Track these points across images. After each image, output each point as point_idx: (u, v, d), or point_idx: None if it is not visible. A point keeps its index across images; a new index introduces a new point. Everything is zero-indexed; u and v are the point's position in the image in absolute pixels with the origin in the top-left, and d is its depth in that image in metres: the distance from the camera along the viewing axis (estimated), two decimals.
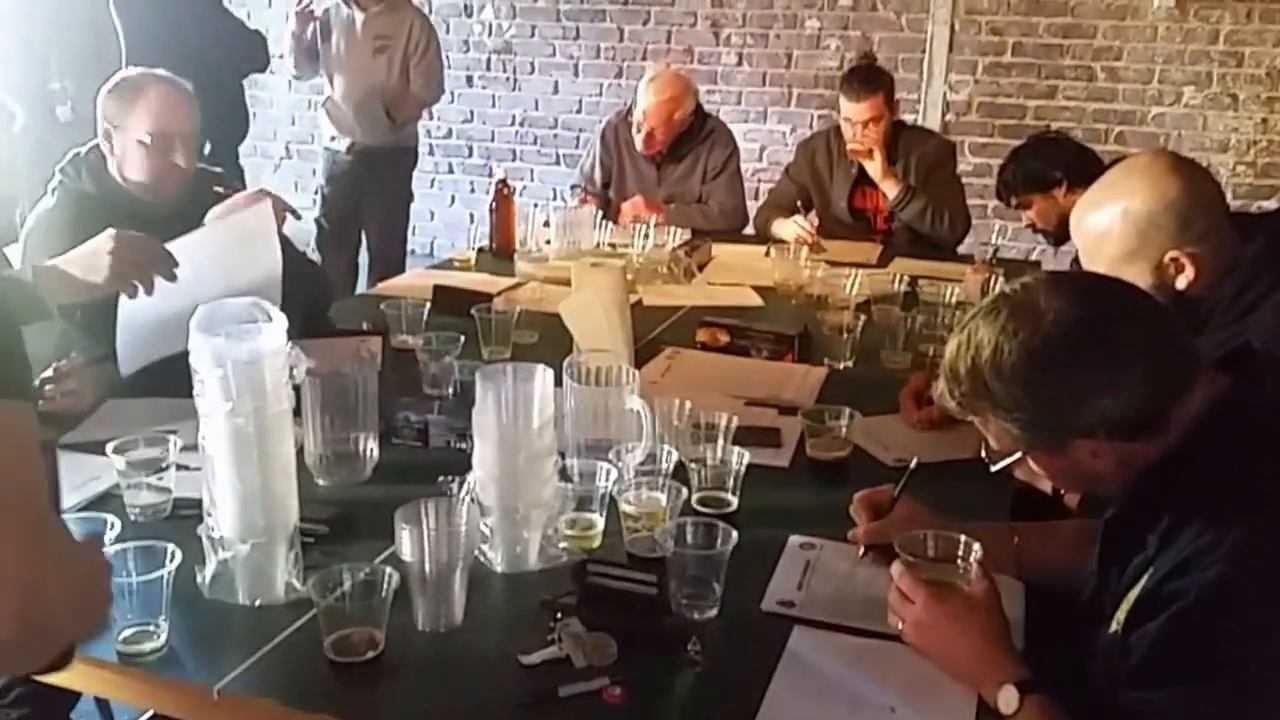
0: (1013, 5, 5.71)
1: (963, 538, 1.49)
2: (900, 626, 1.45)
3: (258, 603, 1.47)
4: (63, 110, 6.51)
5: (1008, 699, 1.31)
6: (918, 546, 1.50)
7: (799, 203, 4.00)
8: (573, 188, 4.29)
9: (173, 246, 2.07)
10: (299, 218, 2.59)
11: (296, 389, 1.61)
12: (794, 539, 1.72)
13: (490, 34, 6.68)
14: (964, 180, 4.17)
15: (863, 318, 2.68)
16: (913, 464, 1.71)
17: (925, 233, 3.85)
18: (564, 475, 1.69)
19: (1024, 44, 5.74)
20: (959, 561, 1.48)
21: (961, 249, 3.94)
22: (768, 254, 3.56)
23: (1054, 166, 3.33)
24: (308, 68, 4.96)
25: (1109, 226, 1.77)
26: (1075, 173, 3.23)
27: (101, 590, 1.00)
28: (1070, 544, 1.61)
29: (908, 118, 5.00)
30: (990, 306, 1.38)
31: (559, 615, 1.44)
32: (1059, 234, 3.53)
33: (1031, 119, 5.76)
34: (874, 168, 3.83)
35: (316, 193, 5.27)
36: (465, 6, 6.66)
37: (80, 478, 1.83)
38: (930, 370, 2.29)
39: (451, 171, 6.96)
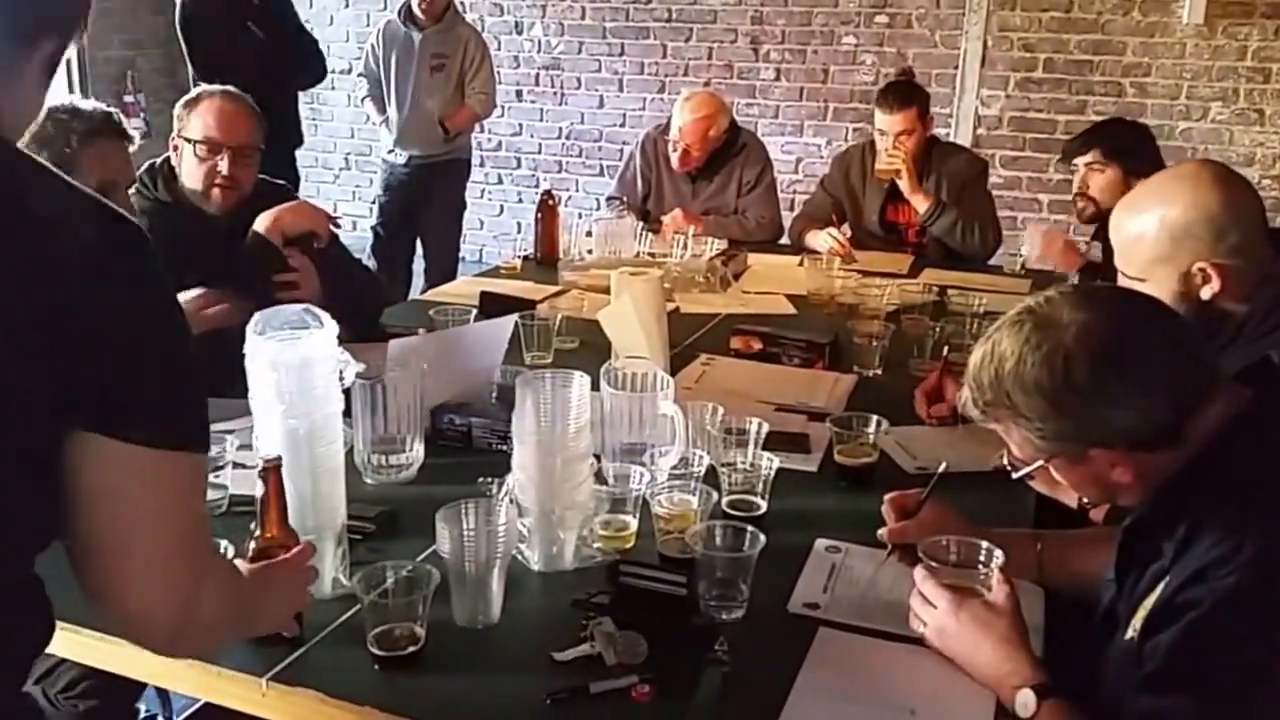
0: (1044, 23, 5.65)
1: (984, 544, 1.48)
2: (922, 630, 1.44)
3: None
4: (136, 123, 6.65)
5: (1025, 703, 1.30)
6: (940, 552, 1.49)
7: (832, 215, 3.98)
8: (609, 199, 4.28)
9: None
10: (339, 227, 2.63)
11: (346, 392, 1.63)
12: (820, 542, 1.71)
13: (539, 50, 6.70)
14: (994, 193, 4.12)
15: (892, 327, 2.67)
16: (941, 468, 1.70)
17: (956, 247, 3.80)
18: (599, 478, 1.70)
19: (1055, 60, 5.67)
20: (980, 567, 1.47)
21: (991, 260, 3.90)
22: (801, 264, 3.54)
23: (1148, 159, 3.22)
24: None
25: (1144, 230, 1.74)
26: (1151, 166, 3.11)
27: (296, 592, 1.32)
28: (1092, 552, 1.59)
29: (940, 131, 4.96)
30: (1015, 318, 1.37)
31: (591, 614, 1.44)
32: (1102, 215, 3.40)
33: (1061, 133, 5.68)
34: (904, 185, 3.80)
35: (374, 202, 5.33)
36: (516, 24, 6.69)
37: None
38: (944, 370, 2.28)
39: (500, 182, 6.99)
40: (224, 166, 2.45)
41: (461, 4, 6.58)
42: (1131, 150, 3.32)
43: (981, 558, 1.48)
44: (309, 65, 4.93)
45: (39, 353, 0.95)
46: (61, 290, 0.95)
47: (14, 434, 0.97)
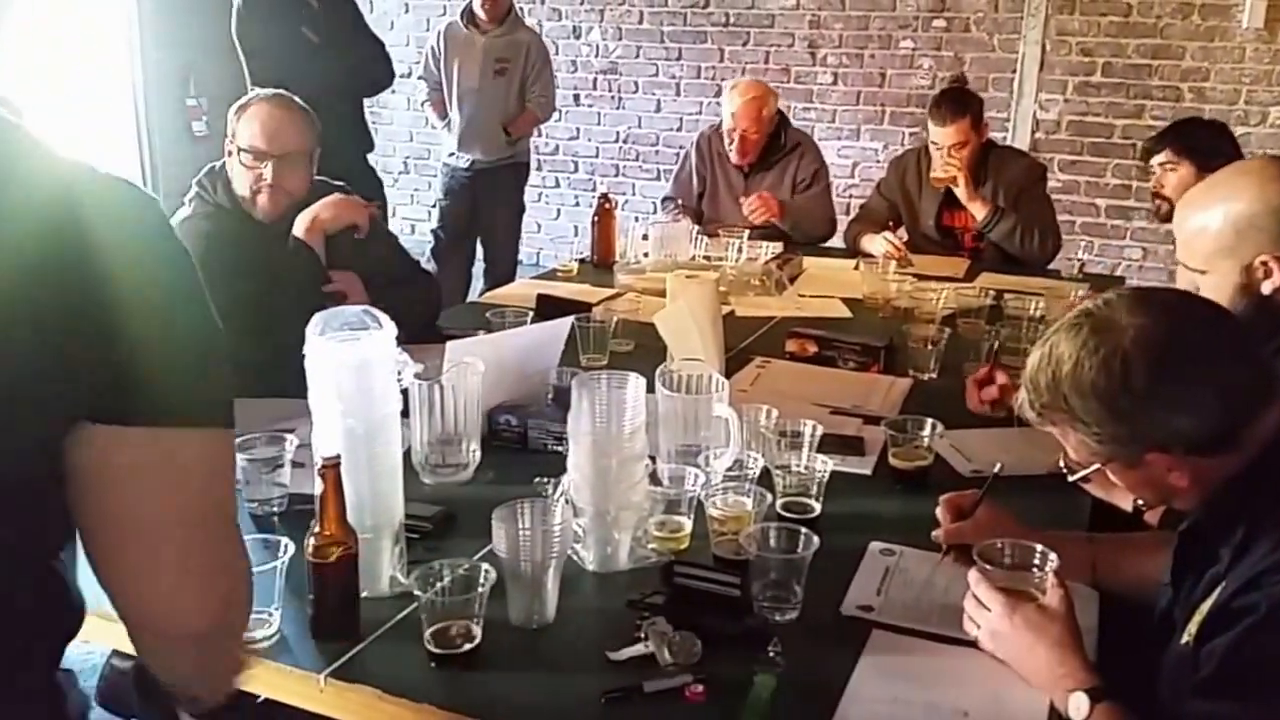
0: (1103, 27, 5.55)
1: (1039, 547, 1.47)
2: (976, 634, 1.43)
3: (364, 594, 1.47)
4: (199, 125, 6.74)
5: (1077, 705, 1.29)
6: (994, 555, 1.48)
7: (889, 219, 3.93)
8: (664, 200, 4.28)
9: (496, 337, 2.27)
10: (375, 216, 2.61)
11: (404, 392, 1.64)
12: (874, 545, 1.70)
13: (597, 55, 6.71)
14: (1052, 197, 4.05)
15: (948, 330, 2.63)
16: (996, 469, 1.69)
17: (1015, 253, 3.74)
18: (654, 479, 1.69)
19: (1114, 64, 5.58)
20: (1034, 570, 1.46)
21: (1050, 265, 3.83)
22: (857, 267, 3.51)
23: (1223, 155, 3.18)
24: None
25: (1208, 223, 1.71)
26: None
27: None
28: (1147, 555, 1.58)
29: (998, 135, 4.89)
30: (1073, 321, 1.35)
31: (646, 614, 1.43)
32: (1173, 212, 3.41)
33: (1119, 138, 5.60)
34: (960, 192, 3.74)
35: (434, 205, 5.35)
36: (574, 29, 6.71)
37: None
38: (994, 361, 2.29)
39: (557, 186, 7.00)
40: (268, 174, 2.39)
41: (520, 9, 6.63)
42: (1204, 148, 3.28)
43: (1036, 561, 1.46)
44: (372, 71, 4.91)
45: (48, 332, 0.84)
46: (65, 264, 0.84)
47: (24, 427, 0.86)
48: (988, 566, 1.45)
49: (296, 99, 2.52)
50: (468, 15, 4.99)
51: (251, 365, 2.14)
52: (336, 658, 1.36)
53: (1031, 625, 1.37)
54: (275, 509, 1.75)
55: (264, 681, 1.37)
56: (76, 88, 6.65)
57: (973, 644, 1.42)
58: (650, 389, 1.70)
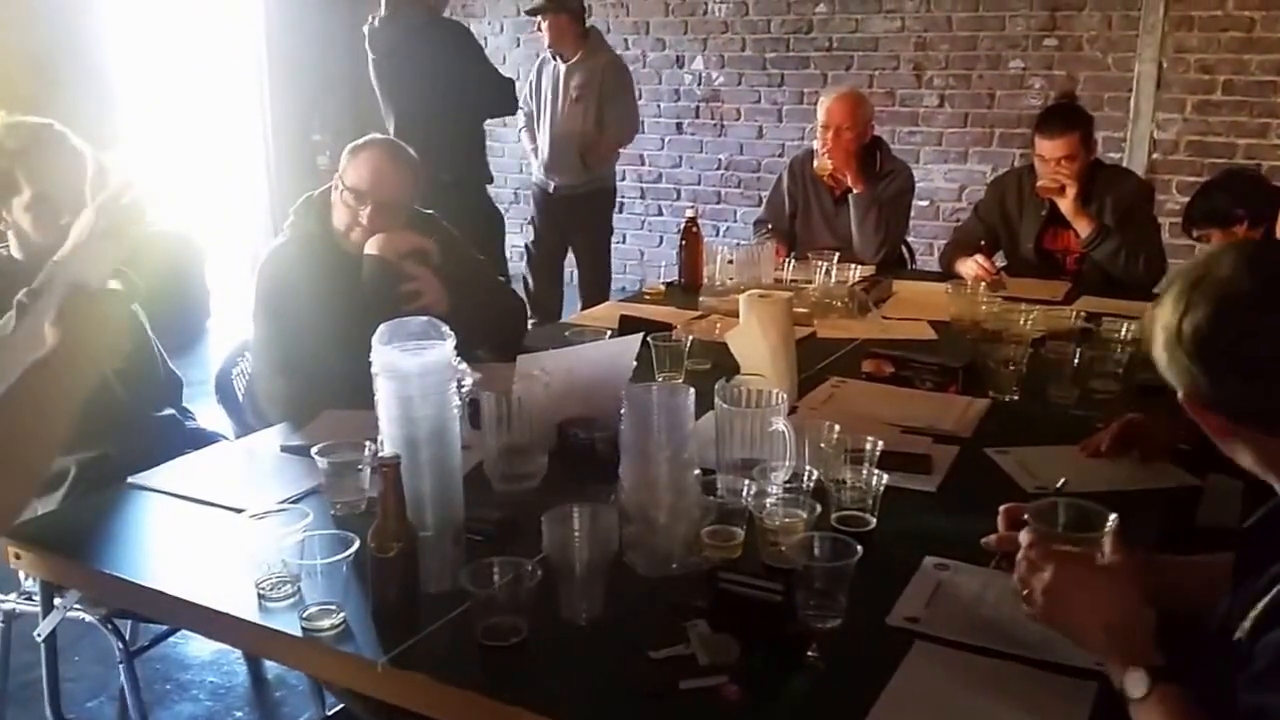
0: (1224, 43, 5.45)
1: (1097, 507, 1.44)
2: (1028, 602, 1.38)
3: (430, 589, 1.57)
4: (322, 159, 7.08)
5: (1136, 682, 1.26)
6: (1048, 515, 1.45)
7: (982, 242, 3.93)
8: (756, 223, 4.36)
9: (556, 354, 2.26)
10: (432, 262, 2.64)
11: (475, 403, 1.75)
12: (929, 560, 1.73)
13: (699, 84, 6.83)
14: (1172, 220, 4.01)
15: (1030, 351, 2.64)
16: (1059, 484, 1.69)
17: (1117, 275, 3.71)
18: (710, 490, 1.76)
19: (1235, 82, 5.47)
20: (1092, 532, 1.43)
21: (1157, 290, 3.78)
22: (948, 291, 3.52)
23: (1239, 203, 3.23)
24: None
25: None
26: (1259, 212, 3.10)
27: None
28: (1210, 579, 1.55)
29: (1114, 156, 4.84)
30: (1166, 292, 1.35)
31: (688, 617, 1.50)
32: None
33: (1242, 158, 5.48)
34: (1066, 205, 3.73)
35: (530, 221, 5.55)
36: (677, 58, 6.85)
37: (295, 475, 2.05)
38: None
39: (660, 214, 7.13)
40: (364, 217, 2.56)
41: (625, 40, 6.81)
42: (1222, 205, 3.44)
43: (1093, 520, 1.43)
44: (495, 104, 5.04)
45: None
46: None
47: None
48: (1042, 527, 1.41)
49: (408, 149, 2.66)
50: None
51: (343, 378, 2.32)
52: (395, 646, 1.46)
53: (1090, 588, 1.32)
54: (355, 511, 1.88)
55: (326, 666, 1.49)
56: (209, 125, 7.06)
57: (1016, 658, 1.43)
58: (711, 404, 1.77)
